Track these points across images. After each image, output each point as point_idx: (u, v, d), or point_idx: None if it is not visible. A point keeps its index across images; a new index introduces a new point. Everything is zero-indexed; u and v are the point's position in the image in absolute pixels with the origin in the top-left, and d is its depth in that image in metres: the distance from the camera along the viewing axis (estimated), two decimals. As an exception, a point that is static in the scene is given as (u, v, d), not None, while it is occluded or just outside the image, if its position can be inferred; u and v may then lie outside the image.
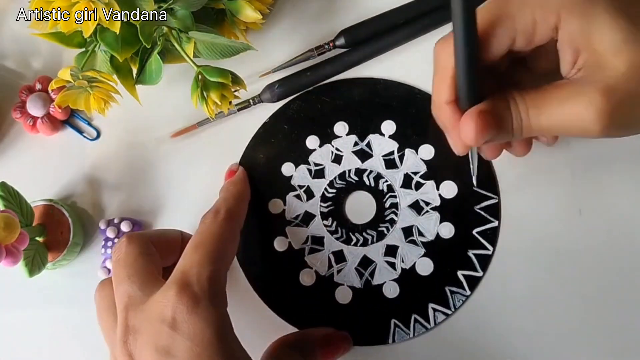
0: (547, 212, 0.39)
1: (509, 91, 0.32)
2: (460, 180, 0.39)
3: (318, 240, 0.40)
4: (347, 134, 0.41)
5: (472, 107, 0.31)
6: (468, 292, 0.38)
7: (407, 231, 0.39)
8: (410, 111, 0.41)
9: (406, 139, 0.40)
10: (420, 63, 0.41)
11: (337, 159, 0.41)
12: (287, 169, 0.41)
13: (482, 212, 0.39)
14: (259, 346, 0.37)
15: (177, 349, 0.30)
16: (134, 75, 0.39)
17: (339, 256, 0.40)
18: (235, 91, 0.38)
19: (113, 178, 0.43)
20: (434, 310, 0.38)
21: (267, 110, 0.42)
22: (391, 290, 0.39)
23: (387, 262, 0.39)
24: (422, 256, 0.39)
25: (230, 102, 0.38)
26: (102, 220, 0.42)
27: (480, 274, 0.38)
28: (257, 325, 0.40)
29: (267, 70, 0.42)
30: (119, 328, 0.32)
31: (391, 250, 0.39)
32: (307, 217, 0.41)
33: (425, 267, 0.39)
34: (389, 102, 0.41)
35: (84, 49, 0.39)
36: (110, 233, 0.41)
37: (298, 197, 0.41)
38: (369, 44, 0.41)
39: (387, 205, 0.40)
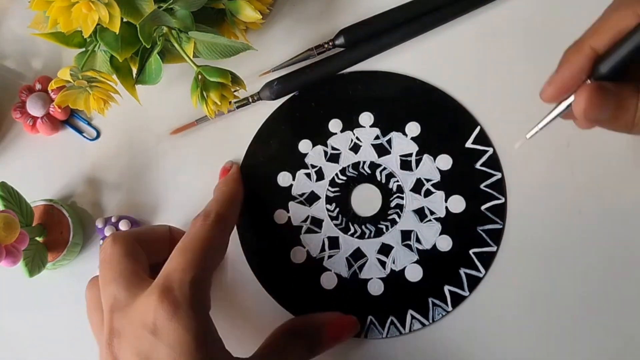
0: (547, 212, 0.39)
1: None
2: (471, 199, 0.39)
3: (317, 222, 0.40)
4: (371, 126, 0.41)
5: (600, 81, 0.29)
6: (450, 308, 0.38)
7: (406, 235, 0.39)
8: (436, 117, 0.41)
9: (428, 144, 0.40)
10: (421, 61, 0.41)
11: (355, 148, 0.41)
12: (304, 146, 0.41)
13: (483, 235, 0.39)
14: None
15: (158, 355, 0.30)
16: (134, 75, 0.39)
17: (334, 242, 0.40)
18: (235, 91, 0.38)
19: (113, 178, 0.43)
20: (412, 317, 0.38)
21: (266, 108, 0.42)
22: (376, 288, 0.39)
23: (379, 259, 0.39)
24: (414, 262, 0.39)
25: (230, 102, 0.38)
26: (99, 219, 0.42)
27: (466, 293, 0.38)
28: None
29: (267, 70, 0.42)
30: (105, 330, 0.32)
31: (385, 249, 0.39)
32: (312, 197, 0.41)
33: (414, 273, 0.39)
34: (419, 104, 0.41)
35: (83, 49, 0.39)
36: (108, 232, 0.41)
37: (308, 175, 0.41)
38: (372, 42, 0.41)
39: (392, 204, 0.40)
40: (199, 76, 0.36)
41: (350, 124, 0.41)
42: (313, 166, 0.41)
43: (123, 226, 0.41)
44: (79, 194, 0.43)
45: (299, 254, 0.40)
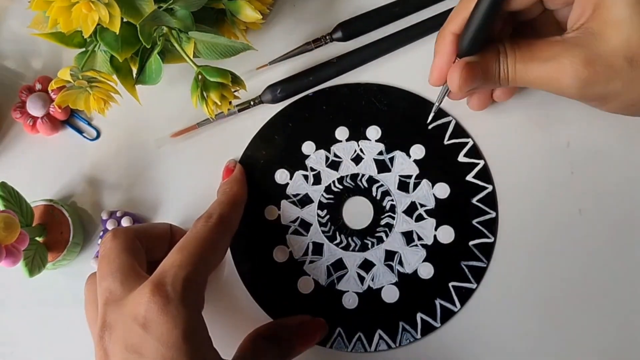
0: (547, 212, 0.39)
1: (502, 42, 0.34)
2: (461, 232, 0.39)
3: (305, 225, 0.40)
4: (377, 140, 0.41)
5: (464, 57, 0.34)
6: (418, 336, 0.38)
7: (390, 255, 0.39)
8: (442, 144, 0.41)
9: (429, 169, 0.40)
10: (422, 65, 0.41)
11: (357, 159, 0.41)
12: (307, 147, 0.41)
13: (466, 270, 0.39)
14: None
15: (146, 349, 0.30)
16: (134, 75, 0.39)
17: (318, 248, 0.40)
18: (235, 91, 0.38)
19: (113, 178, 0.43)
20: (380, 337, 0.39)
21: (267, 111, 0.42)
22: (350, 301, 0.39)
23: (358, 274, 0.39)
24: (392, 284, 0.39)
25: (230, 102, 0.38)
26: (104, 211, 0.42)
27: (437, 324, 0.38)
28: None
29: (264, 64, 0.42)
30: (98, 323, 0.32)
31: (366, 265, 0.39)
32: (306, 200, 0.41)
33: (390, 294, 0.39)
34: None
35: (84, 49, 0.39)
36: (110, 225, 0.41)
37: (306, 177, 0.41)
38: (371, 46, 0.42)
39: (382, 222, 0.40)
40: (199, 76, 0.36)
41: (357, 134, 0.41)
42: (312, 169, 0.41)
43: (125, 222, 0.41)
44: (79, 194, 0.43)
45: (281, 254, 0.40)
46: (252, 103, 0.42)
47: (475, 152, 0.40)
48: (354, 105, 0.42)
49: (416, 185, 0.40)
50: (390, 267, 0.39)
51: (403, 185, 0.40)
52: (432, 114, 0.39)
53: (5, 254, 0.36)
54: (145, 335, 0.30)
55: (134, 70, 0.39)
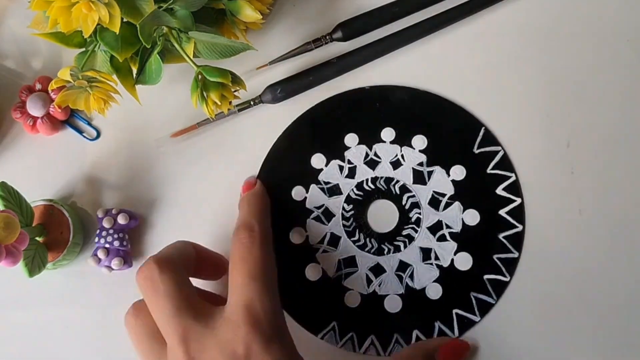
0: (547, 212, 0.39)
1: None
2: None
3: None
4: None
5: None
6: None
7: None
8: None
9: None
10: (423, 67, 0.41)
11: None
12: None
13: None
14: None
15: None
16: (134, 75, 0.39)
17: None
18: (235, 91, 0.38)
19: (113, 178, 0.43)
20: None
21: (267, 112, 0.42)
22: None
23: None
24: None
25: (230, 102, 0.38)
26: (100, 209, 0.41)
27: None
28: None
29: (264, 64, 0.42)
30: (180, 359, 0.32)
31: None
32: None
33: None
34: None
35: (84, 49, 0.39)
36: (106, 223, 0.41)
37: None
38: (371, 46, 0.42)
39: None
40: (199, 76, 0.36)
41: (403, 139, 0.40)
42: (350, 162, 0.41)
43: (121, 219, 0.41)
44: (79, 193, 0.43)
45: (298, 236, 0.40)
46: (252, 103, 0.42)
47: (515, 188, 0.39)
48: (406, 110, 0.41)
49: (448, 205, 0.39)
50: (400, 278, 0.39)
51: (434, 202, 0.40)
52: None
53: (5, 254, 0.36)
54: None
55: (134, 70, 0.39)
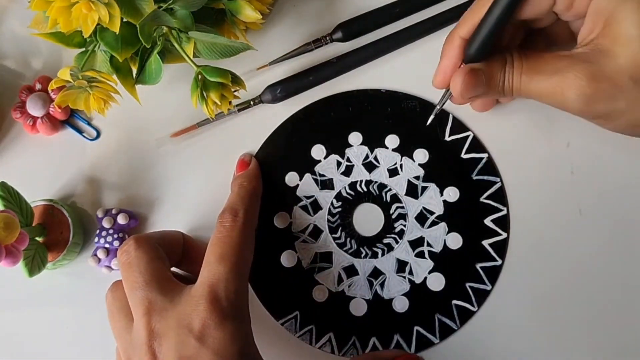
0: (547, 212, 0.39)
1: (510, 52, 0.33)
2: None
3: (316, 232, 0.40)
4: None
5: (470, 63, 0.33)
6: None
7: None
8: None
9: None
10: (421, 65, 0.41)
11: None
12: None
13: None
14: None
15: None
16: (134, 75, 0.39)
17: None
18: (235, 91, 0.38)
19: (113, 178, 0.43)
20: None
21: (267, 112, 0.42)
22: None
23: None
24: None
25: (230, 102, 0.38)
26: (100, 209, 0.42)
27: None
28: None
29: (264, 64, 0.42)
30: (142, 332, 0.32)
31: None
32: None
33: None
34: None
35: (83, 49, 0.39)
36: (106, 223, 0.41)
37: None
38: (371, 46, 0.42)
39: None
40: (199, 76, 0.36)
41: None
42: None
43: (121, 219, 0.41)
44: (79, 194, 0.43)
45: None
46: (252, 103, 0.42)
47: (503, 222, 0.39)
48: (415, 121, 0.41)
49: (434, 223, 0.39)
50: (371, 284, 0.39)
51: (421, 218, 0.40)
52: (432, 117, 0.38)
53: (5, 254, 0.36)
54: (201, 348, 0.31)
55: (134, 70, 0.39)
